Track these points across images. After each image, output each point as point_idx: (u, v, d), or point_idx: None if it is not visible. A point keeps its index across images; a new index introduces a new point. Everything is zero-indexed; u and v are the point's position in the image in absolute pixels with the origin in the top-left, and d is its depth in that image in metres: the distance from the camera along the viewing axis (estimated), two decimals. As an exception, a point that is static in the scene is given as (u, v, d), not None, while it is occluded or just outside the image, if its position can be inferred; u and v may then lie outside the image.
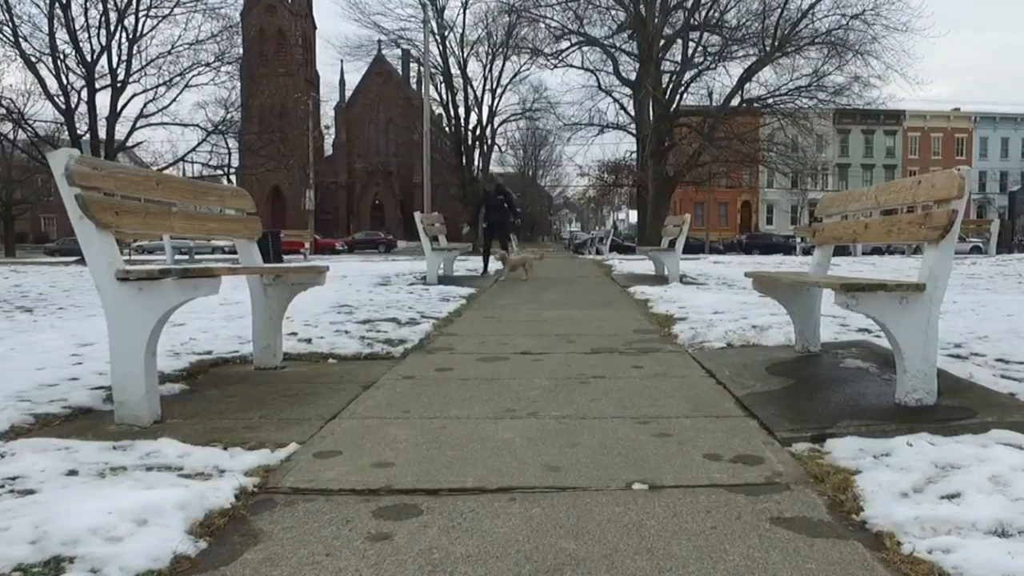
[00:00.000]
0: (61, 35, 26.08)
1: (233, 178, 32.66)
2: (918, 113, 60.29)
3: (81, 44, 26.42)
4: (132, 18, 27.08)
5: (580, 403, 3.18)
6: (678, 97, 31.60)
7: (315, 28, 68.79)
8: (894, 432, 2.56)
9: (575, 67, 34.38)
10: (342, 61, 65.81)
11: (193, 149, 30.44)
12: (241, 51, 36.71)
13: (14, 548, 1.67)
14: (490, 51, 38.96)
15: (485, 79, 40.43)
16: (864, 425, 2.68)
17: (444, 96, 39.12)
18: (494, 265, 12.65)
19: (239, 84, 33.72)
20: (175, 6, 27.63)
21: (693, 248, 32.85)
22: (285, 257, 21.70)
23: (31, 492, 2.04)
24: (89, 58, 26.56)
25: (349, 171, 67.26)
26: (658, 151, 30.33)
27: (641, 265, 12.97)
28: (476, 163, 43.08)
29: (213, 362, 4.18)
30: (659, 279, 10.58)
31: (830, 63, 29.22)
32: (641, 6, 30.51)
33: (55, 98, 26.46)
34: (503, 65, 39.58)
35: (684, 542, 1.78)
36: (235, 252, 4.19)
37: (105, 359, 3.25)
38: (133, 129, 28.20)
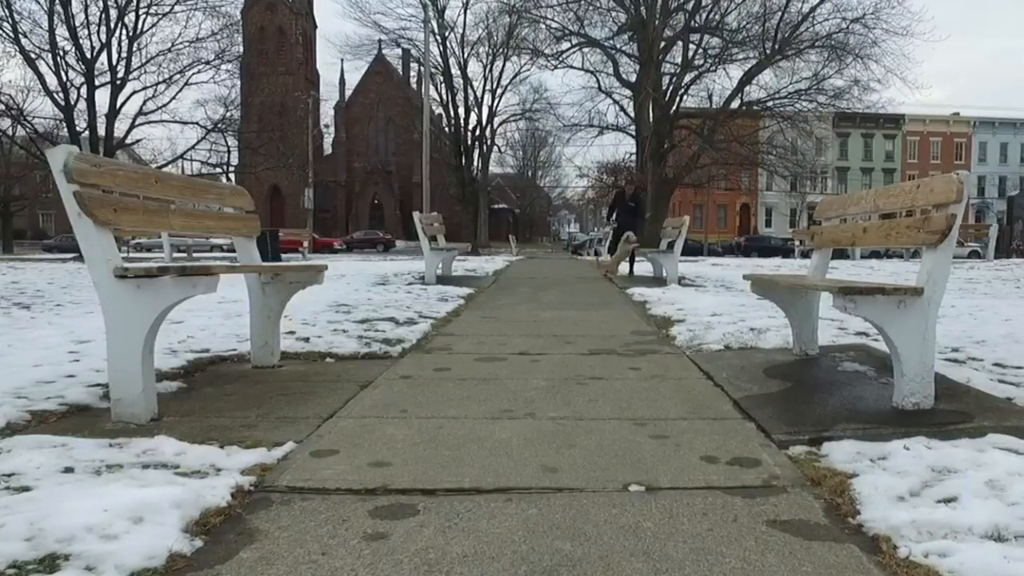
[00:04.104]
0: (61, 31, 26.10)
1: (232, 176, 32.59)
2: (917, 117, 60.42)
3: (81, 41, 26.43)
4: (132, 15, 27.10)
5: (578, 404, 3.18)
6: (678, 99, 31.65)
7: (315, 27, 68.72)
8: (891, 436, 2.56)
9: (575, 68, 34.47)
10: (342, 60, 65.58)
11: (192, 147, 30.45)
12: (241, 49, 36.67)
13: (9, 545, 1.67)
14: (490, 51, 38.97)
15: (485, 79, 40.46)
16: (861, 428, 2.68)
17: (444, 96, 39.11)
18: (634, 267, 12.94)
19: (239, 82, 33.68)
20: (176, 3, 27.66)
21: (692, 250, 32.85)
22: (284, 256, 21.68)
23: (27, 489, 2.03)
24: (89, 55, 26.54)
25: (348, 170, 67.18)
26: (657, 153, 30.35)
27: (639, 267, 12.98)
28: (475, 163, 43.09)
29: (211, 360, 4.18)
30: (657, 281, 10.59)
31: (830, 66, 29.32)
32: (642, 8, 30.55)
33: (54, 95, 26.45)
34: (503, 65, 39.61)
35: (680, 544, 1.78)
36: (233, 250, 4.19)
37: (102, 356, 3.25)
38: (132, 126, 28.20)
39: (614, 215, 13.29)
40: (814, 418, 2.87)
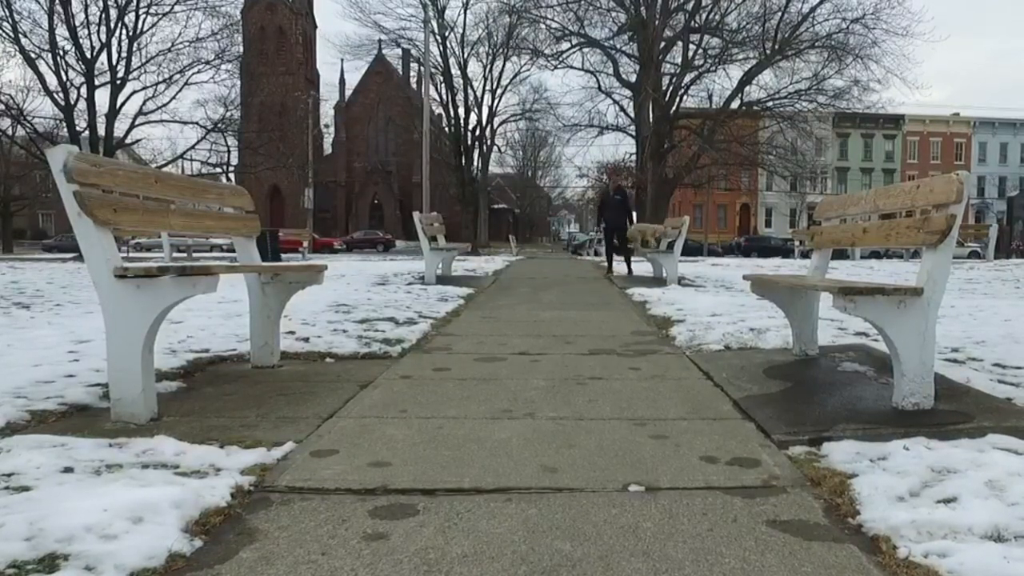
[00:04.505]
0: (61, 31, 26.10)
1: (232, 176, 32.57)
2: (917, 118, 60.44)
3: (81, 40, 26.43)
4: (132, 15, 27.10)
5: (577, 404, 3.18)
6: (678, 99, 31.65)
7: (315, 27, 68.69)
8: (891, 436, 2.56)
9: (575, 68, 34.50)
10: (342, 60, 65.43)
11: (192, 147, 30.45)
12: (241, 49, 36.64)
13: (9, 545, 1.67)
14: (490, 51, 38.96)
15: (485, 79, 40.44)
16: (861, 429, 2.68)
17: (444, 96, 39.09)
18: (619, 267, 12.76)
19: (239, 82, 33.66)
20: (176, 3, 27.64)
21: (691, 250, 32.84)
22: (283, 256, 21.68)
23: (26, 489, 2.03)
24: (89, 55, 26.54)
25: (348, 170, 67.13)
26: (657, 153, 30.35)
27: (639, 267, 12.97)
28: (475, 163, 43.07)
29: (210, 360, 4.18)
30: (657, 281, 10.59)
31: (830, 67, 29.32)
32: (642, 8, 30.57)
33: (54, 94, 26.45)
34: (503, 66, 39.59)
35: (680, 544, 1.78)
36: (233, 250, 4.19)
37: (102, 356, 3.25)
38: (132, 126, 28.19)
39: (601, 216, 13.14)
40: (814, 418, 2.87)
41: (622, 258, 12.95)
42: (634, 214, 13.93)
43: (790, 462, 2.41)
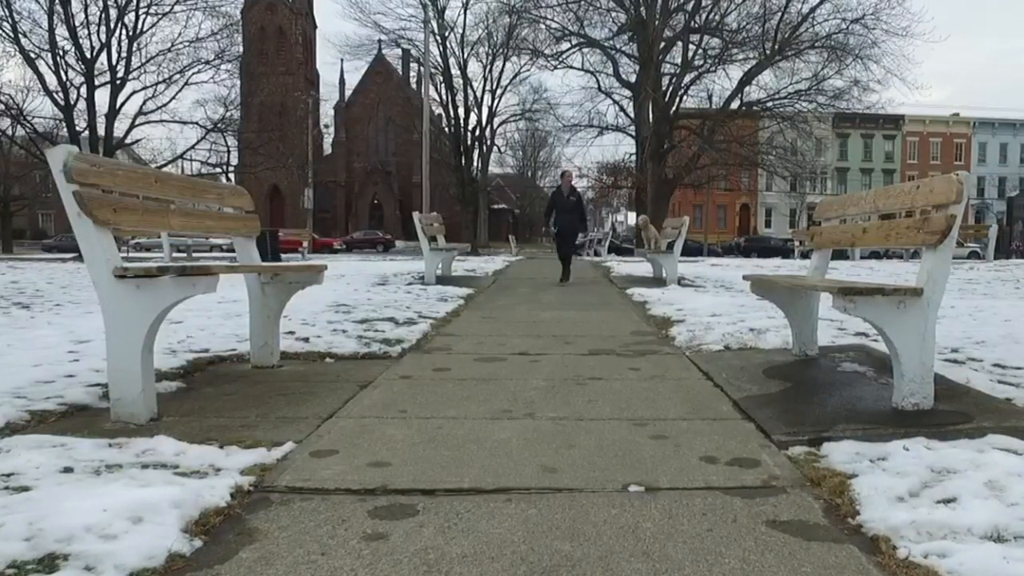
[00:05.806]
0: (61, 31, 26.02)
1: (232, 176, 32.54)
2: (917, 118, 60.47)
3: (81, 40, 26.35)
4: (132, 15, 27.04)
5: (577, 404, 3.18)
6: (678, 99, 31.66)
7: (315, 27, 68.69)
8: (891, 436, 2.56)
9: (575, 68, 34.50)
10: (342, 60, 65.32)
11: (192, 147, 30.38)
12: (241, 49, 36.62)
13: (9, 545, 1.66)
14: (490, 52, 38.94)
15: (485, 79, 40.40)
16: (861, 429, 2.68)
17: (444, 96, 39.05)
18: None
19: (239, 82, 33.63)
20: (176, 3, 27.60)
21: (691, 251, 32.82)
22: (283, 256, 21.68)
23: (26, 489, 2.03)
24: (88, 55, 26.49)
25: (348, 170, 67.13)
26: (657, 153, 30.35)
27: (639, 267, 12.97)
28: (475, 163, 43.04)
29: (210, 360, 4.18)
30: (657, 281, 10.59)
31: (830, 67, 29.34)
32: (642, 8, 30.59)
33: (54, 94, 26.39)
34: (503, 66, 39.55)
35: (680, 544, 1.78)
36: (233, 250, 4.19)
37: (102, 356, 3.25)
38: (132, 126, 28.12)
39: (552, 217, 11.45)
40: (814, 418, 2.87)
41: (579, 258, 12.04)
42: (587, 219, 12.70)
43: (790, 462, 2.41)
